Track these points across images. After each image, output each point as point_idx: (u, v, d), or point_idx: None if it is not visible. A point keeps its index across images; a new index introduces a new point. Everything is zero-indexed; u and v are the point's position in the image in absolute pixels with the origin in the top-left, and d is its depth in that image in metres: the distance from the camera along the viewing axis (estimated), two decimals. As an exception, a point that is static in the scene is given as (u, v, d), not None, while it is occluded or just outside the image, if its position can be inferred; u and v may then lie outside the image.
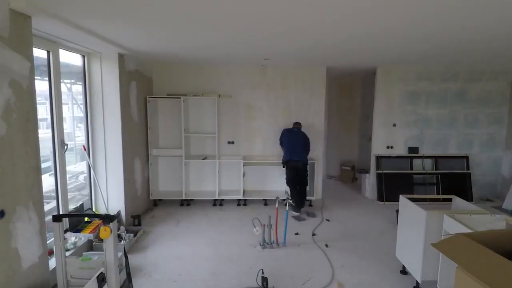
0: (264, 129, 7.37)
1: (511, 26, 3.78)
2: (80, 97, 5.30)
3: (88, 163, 5.28)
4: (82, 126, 5.39)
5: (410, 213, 3.95)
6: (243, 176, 6.50)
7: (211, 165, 6.75)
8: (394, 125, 7.47)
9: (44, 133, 4.44)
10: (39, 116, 3.55)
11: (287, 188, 6.63)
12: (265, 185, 7.03)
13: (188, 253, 4.74)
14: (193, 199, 7.00)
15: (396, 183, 7.36)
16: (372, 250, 4.92)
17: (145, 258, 4.60)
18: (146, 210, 6.63)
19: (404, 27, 3.83)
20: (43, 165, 3.80)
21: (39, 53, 4.22)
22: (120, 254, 3.86)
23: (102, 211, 5.42)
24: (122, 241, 4.71)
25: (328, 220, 6.05)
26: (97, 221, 5.01)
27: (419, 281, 3.68)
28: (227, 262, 4.51)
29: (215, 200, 7.01)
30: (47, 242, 3.74)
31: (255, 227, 5.03)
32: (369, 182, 7.63)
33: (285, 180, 6.57)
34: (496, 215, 3.23)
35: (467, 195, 7.32)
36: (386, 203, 7.19)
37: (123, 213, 5.58)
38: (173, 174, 7.07)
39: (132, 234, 5.07)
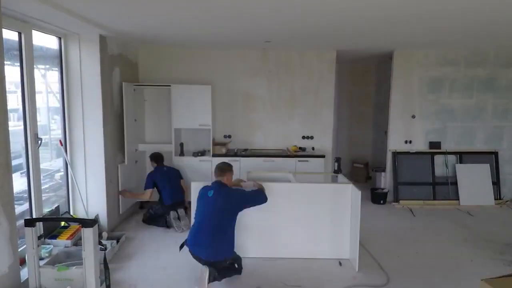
0: (265, 122, 7.37)
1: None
2: (56, 85, 5.29)
3: (65, 160, 5.28)
4: (58, 118, 5.38)
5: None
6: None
7: (204, 162, 6.74)
8: (413, 116, 7.46)
9: (15, 126, 4.44)
10: (9, 107, 3.55)
11: None
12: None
13: (179, 263, 4.73)
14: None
15: (415, 182, 7.40)
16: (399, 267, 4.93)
17: (129, 268, 4.60)
18: (131, 213, 6.64)
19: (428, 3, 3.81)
20: (13, 162, 3.79)
21: (9, 35, 4.20)
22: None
23: (81, 214, 5.42)
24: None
25: None
26: (75, 226, 5.05)
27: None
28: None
29: (209, 202, 7.00)
30: (19, 250, 3.74)
31: None
32: (385, 182, 7.63)
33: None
34: None
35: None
36: (404, 205, 7.21)
37: (104, 217, 5.57)
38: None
39: (114, 241, 5.08)
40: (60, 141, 5.19)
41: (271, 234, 4.90)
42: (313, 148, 7.30)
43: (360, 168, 9.16)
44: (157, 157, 6.30)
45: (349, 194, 4.81)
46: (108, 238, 5.22)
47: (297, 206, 4.90)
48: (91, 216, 5.45)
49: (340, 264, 4.70)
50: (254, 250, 4.87)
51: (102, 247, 4.55)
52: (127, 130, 6.16)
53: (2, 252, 3.41)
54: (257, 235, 4.88)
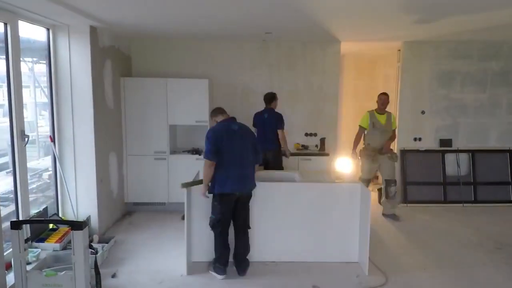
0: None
1: None
2: (44, 79, 5.28)
3: (55, 158, 5.27)
4: (47, 114, 5.37)
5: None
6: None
7: (201, 160, 6.72)
8: (423, 112, 7.44)
9: (0, 123, 4.44)
10: (-7, 102, 3.54)
11: None
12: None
13: (174, 269, 4.72)
14: (180, 202, 6.97)
15: (424, 182, 7.40)
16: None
17: (120, 274, 4.59)
18: (124, 215, 6.64)
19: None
20: (-2, 161, 3.80)
21: (-6, 26, 4.20)
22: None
23: (70, 216, 5.42)
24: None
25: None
26: (64, 229, 5.04)
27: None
28: (219, 282, 4.49)
29: (207, 203, 7.00)
30: (4, 254, 3.73)
31: None
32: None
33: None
34: None
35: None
36: (409, 205, 7.20)
37: (95, 219, 5.57)
38: (156, 172, 7.04)
39: (106, 244, 5.06)
40: (51, 137, 5.18)
41: (274, 237, 4.89)
42: (316, 146, 7.30)
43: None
44: None
45: (358, 194, 4.81)
46: (99, 241, 5.21)
47: (302, 207, 4.89)
48: (81, 217, 5.44)
49: (357, 277, 4.61)
50: (256, 254, 4.84)
51: (93, 251, 4.54)
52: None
53: (-14, 256, 3.41)
54: (258, 237, 4.86)
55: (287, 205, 4.88)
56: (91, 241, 5.01)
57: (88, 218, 5.49)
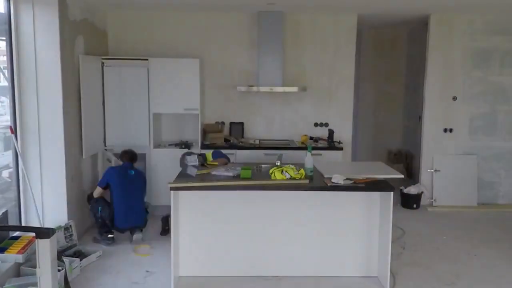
0: (268, 105, 7.35)
1: None
2: (4, 59, 5.24)
3: (16, 153, 5.24)
4: (6, 100, 5.34)
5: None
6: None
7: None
8: (455, 98, 7.40)
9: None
10: None
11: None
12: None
13: (157, 284, 4.72)
14: (166, 205, 6.96)
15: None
16: None
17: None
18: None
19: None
20: (-51, 157, 3.78)
21: None
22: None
23: (34, 222, 5.39)
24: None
25: None
26: (27, 237, 5.01)
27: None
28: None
29: (198, 205, 6.99)
30: (-43, 267, 3.72)
31: None
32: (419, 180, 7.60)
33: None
34: None
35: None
36: (436, 208, 7.21)
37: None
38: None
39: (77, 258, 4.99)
40: (11, 127, 5.14)
41: (276, 247, 4.86)
42: (328, 138, 7.27)
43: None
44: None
45: (377, 196, 4.77)
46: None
47: (310, 211, 4.84)
48: (47, 223, 5.40)
49: None
50: (256, 267, 4.84)
51: (62, 263, 4.53)
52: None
53: None
54: (259, 248, 4.85)
55: (291, 208, 4.85)
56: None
57: (71, 225, 5.44)
